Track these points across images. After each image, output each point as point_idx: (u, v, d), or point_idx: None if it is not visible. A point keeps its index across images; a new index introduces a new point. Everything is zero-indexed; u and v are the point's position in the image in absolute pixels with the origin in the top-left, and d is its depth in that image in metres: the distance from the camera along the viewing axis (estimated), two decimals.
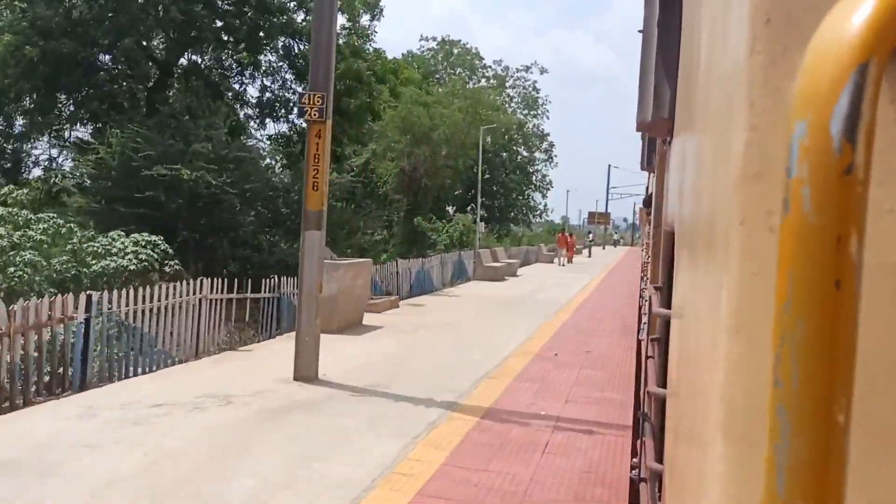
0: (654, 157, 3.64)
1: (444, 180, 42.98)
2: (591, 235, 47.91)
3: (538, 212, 56.17)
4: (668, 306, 1.76)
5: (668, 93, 1.80)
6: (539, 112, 55.64)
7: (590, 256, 40.14)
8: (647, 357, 2.36)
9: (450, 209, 51.44)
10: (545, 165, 56.21)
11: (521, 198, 52.98)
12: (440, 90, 42.88)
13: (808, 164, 0.32)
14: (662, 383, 1.78)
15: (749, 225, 0.49)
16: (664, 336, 1.94)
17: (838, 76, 0.31)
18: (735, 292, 0.49)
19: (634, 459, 3.18)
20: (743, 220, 0.49)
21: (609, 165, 75.69)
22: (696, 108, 0.98)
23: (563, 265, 28.57)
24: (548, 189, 55.86)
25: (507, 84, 54.77)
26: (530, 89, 55.90)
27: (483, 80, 52.33)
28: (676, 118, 1.62)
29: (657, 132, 2.09)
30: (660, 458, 1.59)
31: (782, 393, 0.32)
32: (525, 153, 53.67)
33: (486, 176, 49.34)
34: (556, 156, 56.83)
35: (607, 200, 70.65)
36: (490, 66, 54.62)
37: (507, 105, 52.04)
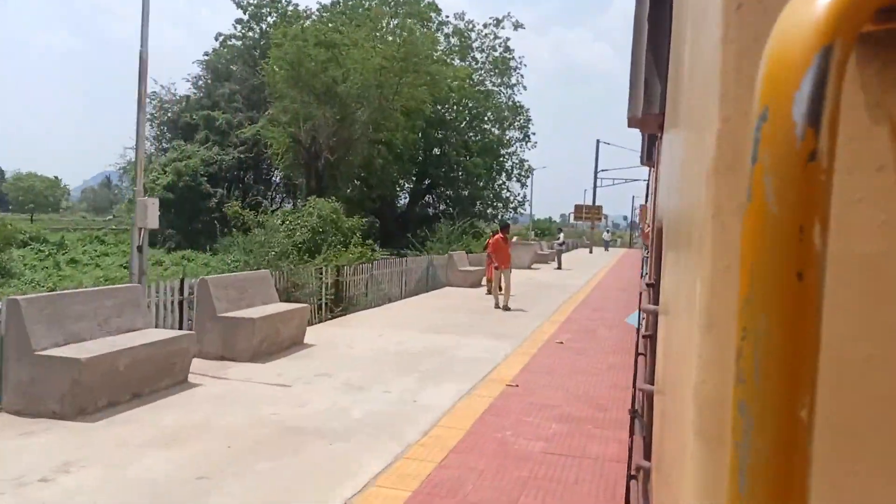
0: (654, 150, 3.61)
1: (372, 158, 30.19)
2: (560, 236, 29.25)
3: (513, 204, 44.36)
4: (658, 302, 1.75)
5: (658, 88, 1.79)
6: (514, 81, 42.77)
7: (559, 268, 24.29)
8: (638, 354, 2.36)
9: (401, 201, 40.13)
10: (521, 146, 44.30)
11: (490, 186, 41.87)
12: (352, 27, 29.61)
13: (770, 152, 0.31)
14: (653, 380, 1.77)
15: (721, 218, 0.48)
16: (655, 333, 1.93)
17: (801, 60, 0.30)
18: (708, 288, 0.48)
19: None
20: (715, 213, 0.48)
21: (598, 141, 48.04)
22: (682, 102, 0.97)
23: (504, 306, 12.52)
24: (526, 177, 44.46)
25: (474, 44, 41.89)
26: (501, 49, 41.92)
27: (440, 37, 39.36)
28: (666, 113, 1.61)
29: (648, 127, 2.08)
30: (649, 455, 1.59)
31: (744, 389, 0.31)
32: (496, 130, 41.78)
33: (444, 158, 39.26)
34: (533, 133, 44.18)
35: (595, 188, 49.14)
36: (449, 20, 41.23)
37: (471, 68, 40.39)
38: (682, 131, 0.92)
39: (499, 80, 42.60)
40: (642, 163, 5.90)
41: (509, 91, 42.87)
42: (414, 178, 40.99)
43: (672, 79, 1.42)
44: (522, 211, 47.31)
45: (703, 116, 0.57)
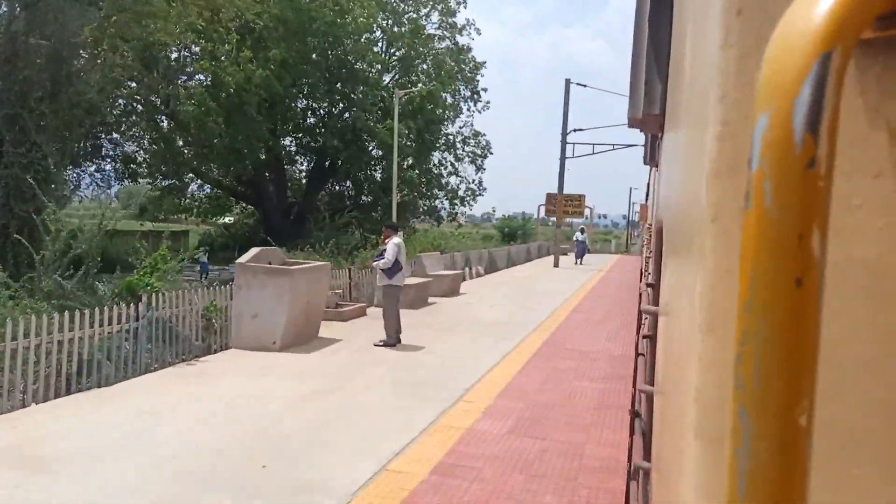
0: (656, 150, 3.60)
1: (172, 101, 19.45)
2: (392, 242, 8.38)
3: (461, 195, 31.00)
4: (658, 303, 1.76)
5: (658, 88, 1.79)
6: (462, 20, 29.13)
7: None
8: (638, 354, 2.36)
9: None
10: (469, 107, 31.33)
11: (423, 164, 28.46)
12: None
13: (769, 158, 0.31)
14: (653, 381, 1.78)
15: (722, 221, 0.48)
16: (655, 333, 1.94)
17: (800, 67, 0.30)
18: (708, 290, 0.49)
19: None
20: (716, 216, 0.48)
21: (567, 81, 25.72)
22: (682, 103, 0.97)
23: None
24: (483, 156, 31.33)
25: None
26: None
27: None
28: (667, 113, 1.61)
29: (648, 127, 2.08)
30: (649, 455, 1.59)
31: (743, 394, 0.31)
32: (427, 84, 26.37)
33: (352, 126, 25.31)
34: (483, 90, 30.42)
35: (563, 157, 26.57)
36: None
37: (405, 4, 28.40)
38: (682, 132, 0.93)
39: (439, 19, 28.84)
40: (645, 163, 5.91)
41: (454, 33, 29.21)
42: (313, 155, 28.15)
43: (673, 79, 1.42)
44: (472, 203, 32.25)
45: (703, 119, 0.57)
